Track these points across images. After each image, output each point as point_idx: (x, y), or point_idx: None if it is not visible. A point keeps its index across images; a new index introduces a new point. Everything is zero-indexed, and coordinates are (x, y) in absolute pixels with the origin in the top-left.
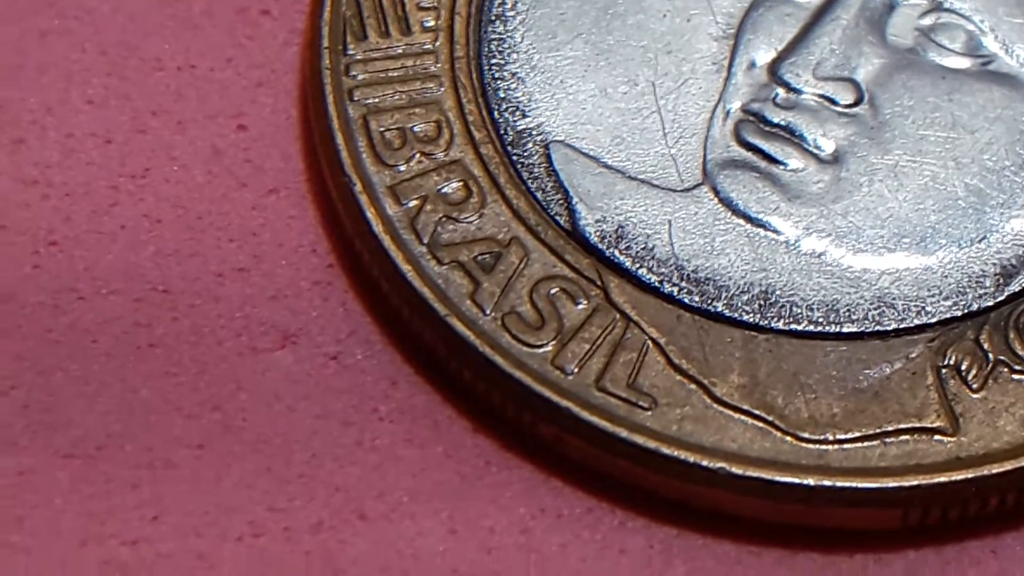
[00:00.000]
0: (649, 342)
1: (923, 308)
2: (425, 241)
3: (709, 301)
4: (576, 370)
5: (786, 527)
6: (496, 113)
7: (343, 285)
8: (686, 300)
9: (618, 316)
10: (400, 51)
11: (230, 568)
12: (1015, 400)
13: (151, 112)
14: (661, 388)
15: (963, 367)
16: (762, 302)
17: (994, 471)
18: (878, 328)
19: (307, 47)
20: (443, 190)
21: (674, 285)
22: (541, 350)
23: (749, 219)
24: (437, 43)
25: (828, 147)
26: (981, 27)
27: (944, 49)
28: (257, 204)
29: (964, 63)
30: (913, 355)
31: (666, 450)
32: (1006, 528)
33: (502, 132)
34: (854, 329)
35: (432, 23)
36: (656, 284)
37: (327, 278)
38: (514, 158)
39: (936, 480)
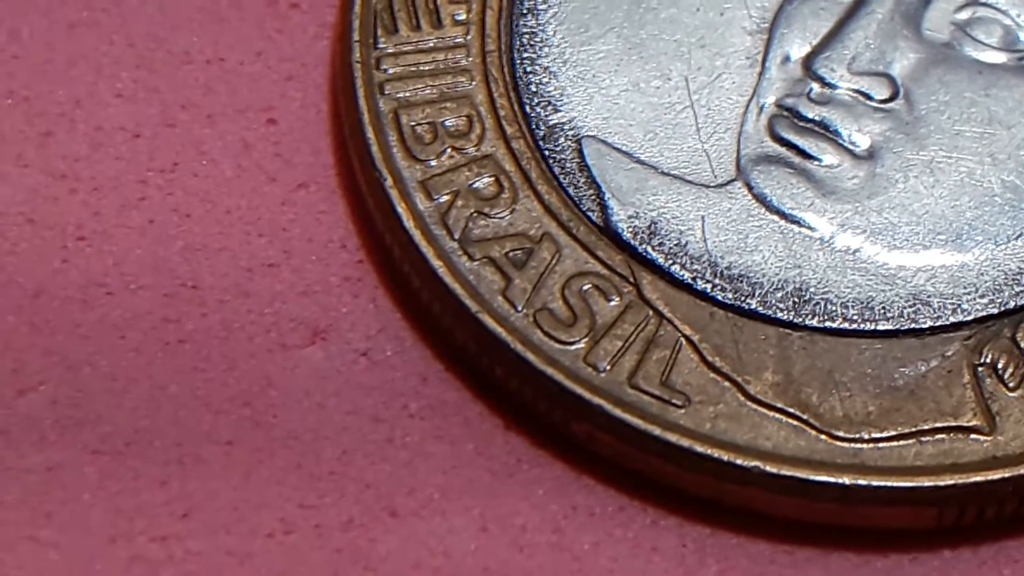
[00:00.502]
0: (682, 339)
1: (959, 306)
2: (456, 237)
3: (743, 298)
4: (608, 367)
5: (820, 526)
6: (528, 108)
7: (373, 281)
8: (719, 297)
9: (651, 313)
10: (431, 45)
11: (260, 565)
12: None
13: (180, 106)
14: (694, 386)
15: (999, 365)
16: (796, 299)
17: None
18: (913, 326)
19: (337, 40)
20: (474, 185)
21: (707, 282)
22: (573, 347)
23: (783, 215)
24: (468, 37)
25: (863, 143)
26: (1018, 21)
27: (980, 44)
28: (287, 199)
29: (1001, 58)
30: (949, 353)
31: (699, 448)
32: None
33: (534, 127)
34: (889, 327)
35: (463, 17)
36: (689, 281)
37: (357, 274)
38: (546, 153)
39: (972, 479)
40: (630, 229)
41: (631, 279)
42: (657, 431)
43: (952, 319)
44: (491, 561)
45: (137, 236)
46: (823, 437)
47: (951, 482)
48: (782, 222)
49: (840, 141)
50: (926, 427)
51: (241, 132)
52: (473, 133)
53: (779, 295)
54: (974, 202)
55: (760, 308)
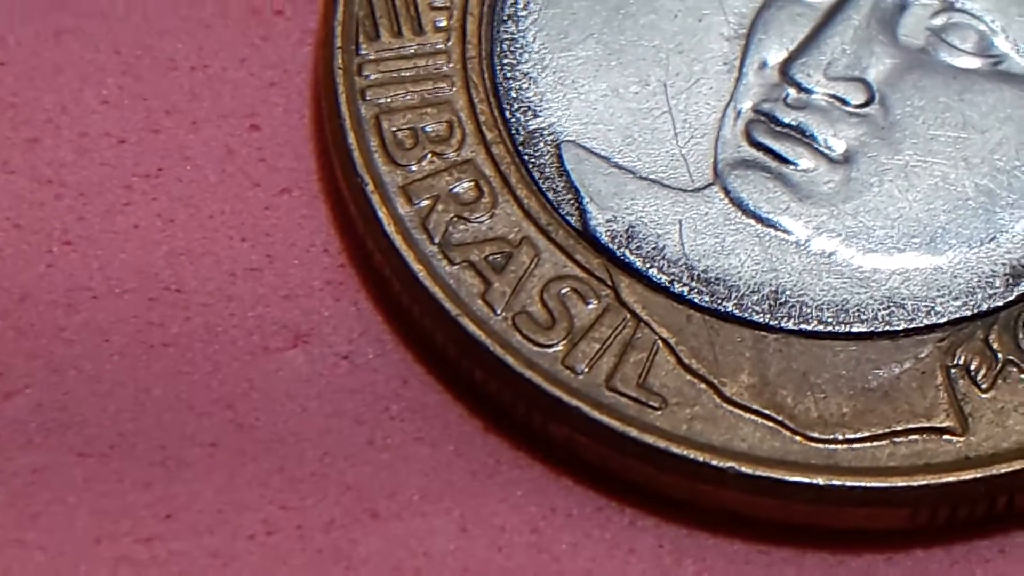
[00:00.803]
0: (659, 342)
1: (933, 308)
2: (436, 241)
3: (719, 301)
4: (586, 370)
5: (795, 527)
6: (508, 113)
7: (355, 285)
8: (696, 300)
9: (628, 316)
10: (412, 51)
11: (242, 566)
12: None
13: (165, 112)
14: (671, 388)
15: (972, 367)
16: (772, 302)
17: (1003, 471)
18: (888, 328)
19: (320, 47)
20: (455, 190)
21: (684, 285)
22: (552, 350)
23: (759, 219)
24: (449, 43)
25: (839, 147)
26: (992, 27)
27: (955, 49)
28: (270, 204)
29: (975, 63)
30: (922, 355)
31: (676, 450)
32: (1014, 528)
33: (513, 132)
34: (864, 329)
35: (444, 23)
36: (666, 284)
37: (339, 278)
38: (525, 158)
39: (945, 480)
40: (608, 233)
41: (609, 282)
42: (634, 433)
43: (926, 321)
44: (471, 562)
45: (122, 241)
46: (798, 438)
47: (924, 482)
48: (758, 226)
49: (816, 146)
50: (899, 428)
51: (225, 138)
52: (453, 138)
53: (755, 298)
54: (948, 206)
55: (736, 311)
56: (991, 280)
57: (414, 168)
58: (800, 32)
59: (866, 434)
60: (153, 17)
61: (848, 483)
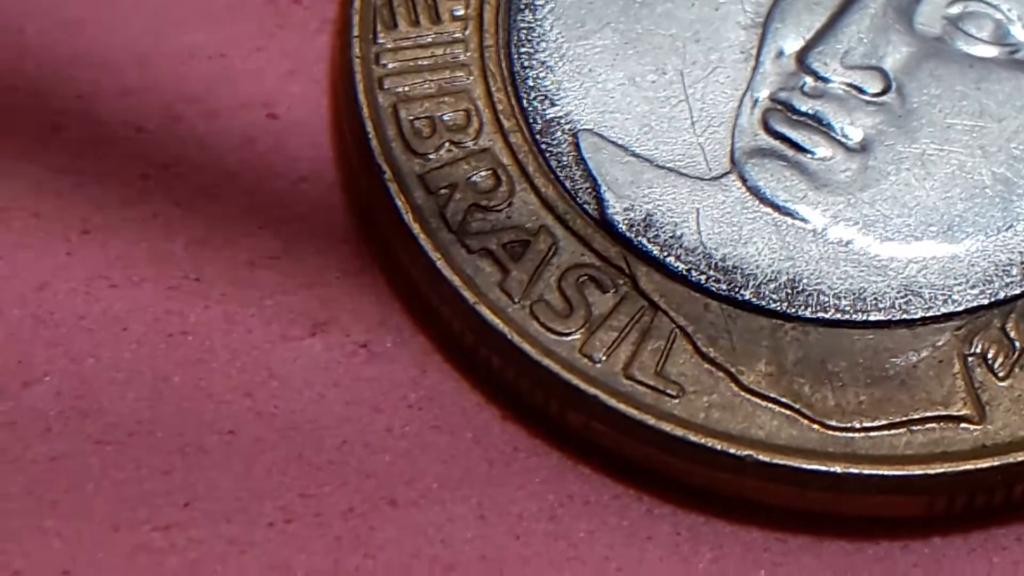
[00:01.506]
0: (677, 330)
1: (950, 296)
2: (454, 229)
3: (737, 289)
4: (604, 358)
5: (813, 514)
6: (525, 102)
7: (373, 273)
8: (714, 288)
9: (646, 304)
10: (430, 40)
11: (261, 553)
12: None
13: (183, 101)
14: (689, 376)
15: (989, 355)
16: (789, 290)
17: (1020, 459)
18: (905, 316)
19: (337, 36)
20: (472, 179)
21: (702, 273)
22: (569, 338)
23: (777, 208)
24: (467, 32)
25: (856, 136)
26: (1009, 16)
27: (972, 38)
28: (288, 193)
29: (992, 52)
30: (940, 343)
31: (693, 438)
32: None
33: (531, 121)
34: (881, 317)
35: (462, 12)
36: (684, 272)
37: (357, 266)
38: (543, 147)
39: (962, 468)
40: (626, 221)
41: (627, 271)
42: (652, 421)
43: (943, 310)
44: (488, 549)
45: (140, 229)
46: (815, 426)
47: (941, 470)
48: (775, 214)
49: (833, 134)
50: (917, 416)
51: (243, 127)
52: (471, 127)
53: (772, 286)
54: (965, 194)
55: (754, 299)
56: (1008, 268)
57: (432, 157)
58: (817, 21)
59: (883, 422)
60: (170, 6)
61: (865, 471)
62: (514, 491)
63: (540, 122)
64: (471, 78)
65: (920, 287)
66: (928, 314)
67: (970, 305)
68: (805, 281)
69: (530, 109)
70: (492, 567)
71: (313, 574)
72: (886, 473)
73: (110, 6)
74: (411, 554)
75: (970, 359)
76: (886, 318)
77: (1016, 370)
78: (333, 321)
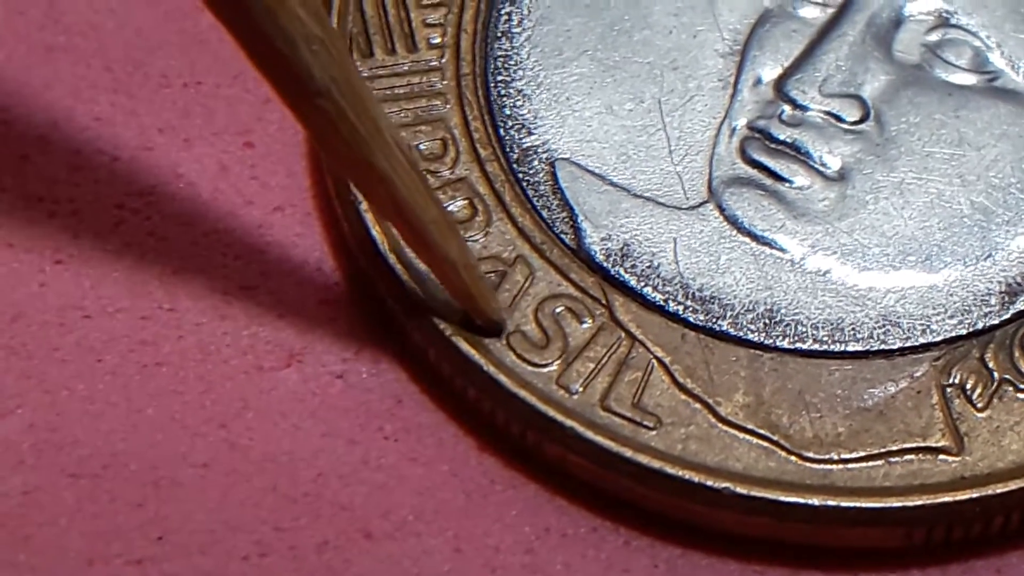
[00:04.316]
0: (654, 361)
1: (928, 327)
2: None
3: (714, 320)
4: (581, 389)
5: (790, 546)
6: (502, 131)
7: (349, 304)
8: (691, 319)
9: (623, 335)
10: (406, 68)
11: None
12: (1020, 419)
13: (157, 129)
14: (666, 407)
15: (968, 386)
16: (767, 320)
17: (999, 490)
18: (883, 347)
19: None
20: (449, 208)
21: (679, 303)
22: (546, 369)
23: (754, 237)
24: (443, 60)
25: (834, 164)
26: (987, 43)
27: (950, 65)
28: (263, 222)
29: (970, 79)
30: (918, 374)
31: (670, 470)
32: (1010, 547)
33: (508, 150)
34: (859, 348)
35: (438, 40)
36: (661, 302)
37: (333, 296)
38: (520, 176)
39: (940, 499)
40: (603, 251)
41: (603, 301)
42: (629, 453)
43: (921, 340)
44: None
45: (114, 259)
46: (793, 458)
47: (919, 502)
48: (753, 244)
49: (811, 163)
50: (895, 448)
51: (218, 155)
52: (448, 156)
53: (750, 317)
54: (943, 223)
55: (731, 330)
56: (987, 298)
57: None
58: (795, 48)
59: (861, 454)
60: (145, 33)
61: (843, 503)
62: (490, 524)
63: (517, 151)
64: (448, 107)
65: (898, 317)
66: (906, 344)
67: (948, 335)
68: (783, 311)
69: (507, 138)
70: None
71: None
72: (864, 505)
73: (84, 33)
74: None
75: (948, 390)
76: (864, 348)
77: (995, 401)
78: (309, 352)
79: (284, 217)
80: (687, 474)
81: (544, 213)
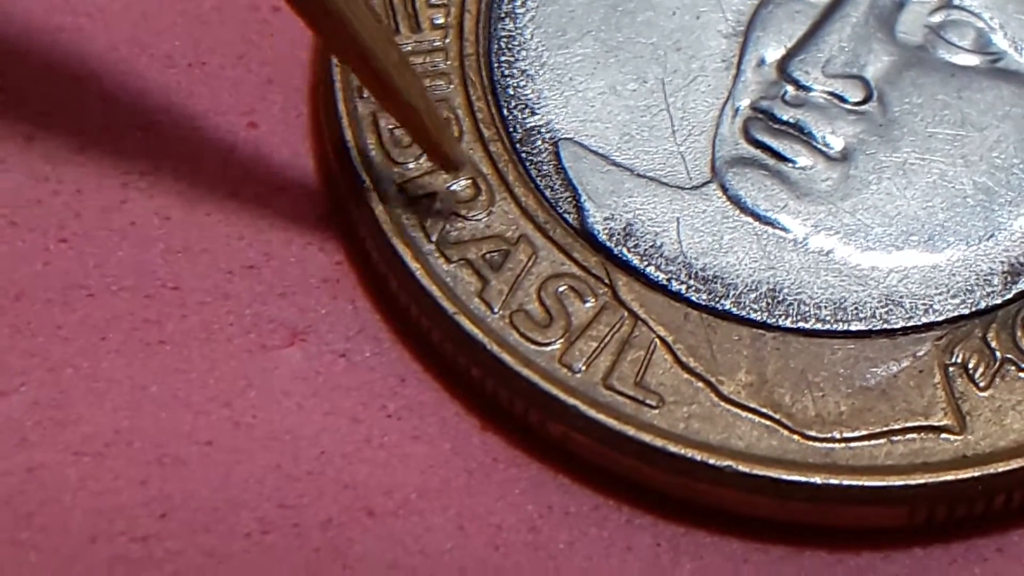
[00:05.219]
0: (657, 340)
1: (931, 306)
2: (433, 239)
3: (717, 299)
4: (584, 368)
5: (793, 525)
6: (505, 111)
7: (352, 283)
8: (694, 298)
9: (626, 314)
10: (410, 48)
11: (239, 565)
12: (1022, 398)
13: (162, 109)
14: (668, 386)
15: (970, 365)
16: (770, 300)
17: (1000, 469)
18: (886, 326)
19: (317, 44)
20: (452, 188)
21: (682, 283)
22: (549, 348)
23: (757, 217)
24: (447, 40)
25: (837, 145)
26: (991, 24)
27: (953, 46)
28: (267, 201)
29: (973, 60)
30: (920, 353)
31: (673, 448)
32: (1012, 526)
33: (511, 130)
34: (862, 327)
35: (442, 20)
36: (664, 282)
37: (336, 276)
38: (523, 156)
39: (943, 478)
40: (606, 231)
41: (606, 280)
42: (631, 431)
43: (924, 319)
44: (467, 560)
45: (118, 238)
46: (795, 437)
47: (922, 481)
48: (756, 223)
49: (814, 143)
50: (897, 427)
51: (222, 135)
52: None
53: (753, 296)
54: (946, 203)
55: (734, 309)
56: (989, 278)
57: (411, 166)
58: (798, 29)
59: (864, 432)
60: (150, 14)
61: (846, 482)
62: (493, 502)
63: (520, 131)
64: (451, 87)
65: (901, 297)
66: (909, 324)
67: (951, 315)
68: (786, 291)
69: (510, 118)
70: None
71: None
72: (866, 484)
73: (90, 14)
74: (389, 565)
75: (951, 369)
76: (867, 328)
77: (997, 380)
78: (312, 331)
79: (288, 196)
80: (690, 452)
81: (547, 193)
